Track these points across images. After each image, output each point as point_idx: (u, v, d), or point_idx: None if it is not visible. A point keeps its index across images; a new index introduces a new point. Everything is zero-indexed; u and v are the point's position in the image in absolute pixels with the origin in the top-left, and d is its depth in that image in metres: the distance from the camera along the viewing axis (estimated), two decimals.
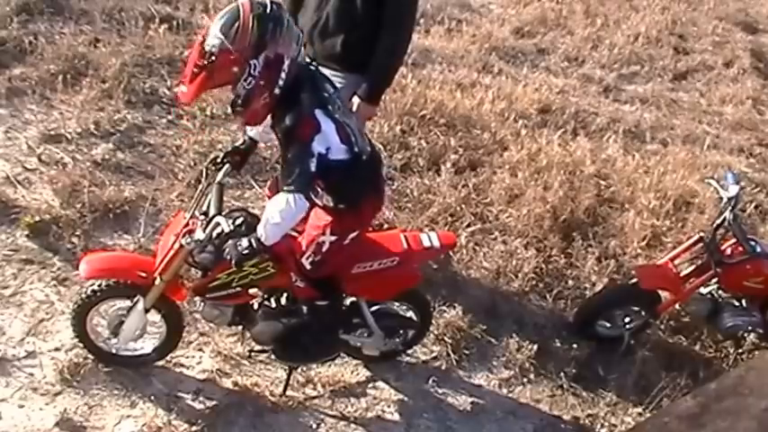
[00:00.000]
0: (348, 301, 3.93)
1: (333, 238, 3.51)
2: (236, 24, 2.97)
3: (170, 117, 5.62)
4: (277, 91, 3.10)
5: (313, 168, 3.12)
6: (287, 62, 3.08)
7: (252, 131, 3.65)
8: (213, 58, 2.98)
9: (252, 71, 3.02)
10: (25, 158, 4.99)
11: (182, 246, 3.39)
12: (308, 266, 3.57)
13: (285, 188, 3.14)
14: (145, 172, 5.12)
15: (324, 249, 3.53)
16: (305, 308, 3.72)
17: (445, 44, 7.49)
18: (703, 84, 8.14)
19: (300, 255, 3.57)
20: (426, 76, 6.67)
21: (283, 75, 3.08)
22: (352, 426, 4.05)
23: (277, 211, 3.16)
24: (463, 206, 5.34)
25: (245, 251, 3.21)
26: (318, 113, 3.13)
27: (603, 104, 7.27)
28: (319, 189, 3.38)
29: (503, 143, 6.09)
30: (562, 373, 4.52)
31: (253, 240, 3.22)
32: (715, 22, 9.58)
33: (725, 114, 7.58)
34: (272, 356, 3.98)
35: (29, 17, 6.08)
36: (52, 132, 5.19)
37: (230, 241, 3.22)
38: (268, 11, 3.02)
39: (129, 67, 5.81)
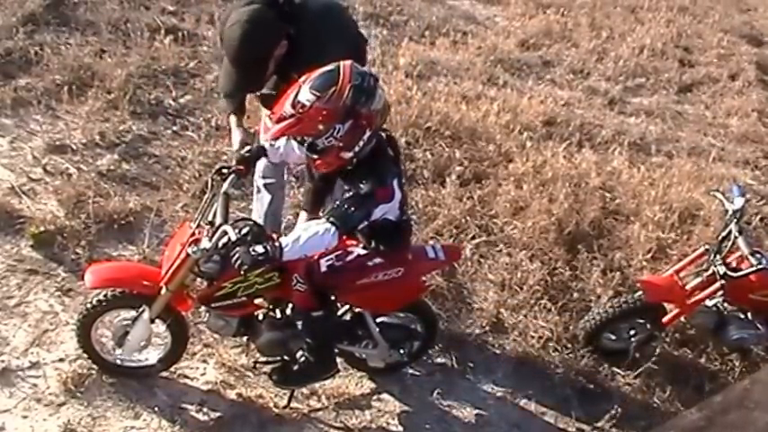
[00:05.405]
0: (352, 313, 3.93)
1: (362, 252, 3.64)
2: (333, 89, 3.11)
3: (175, 128, 5.64)
4: (351, 155, 3.26)
5: (360, 225, 3.36)
6: (368, 133, 3.24)
7: (265, 142, 3.68)
8: (302, 110, 3.12)
9: (335, 133, 3.18)
10: (30, 169, 5.00)
11: (188, 255, 3.38)
12: (324, 268, 3.60)
13: (330, 218, 3.23)
14: (150, 183, 5.13)
15: (348, 258, 3.63)
16: (300, 322, 3.70)
17: (450, 56, 7.51)
18: (709, 96, 8.13)
19: (321, 255, 3.58)
20: (431, 88, 6.68)
21: (361, 143, 3.25)
22: None
23: (310, 234, 3.23)
24: (468, 218, 5.33)
25: (261, 257, 3.17)
26: (395, 184, 3.36)
27: (609, 117, 7.26)
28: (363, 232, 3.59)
29: (508, 155, 6.09)
30: (567, 386, 4.51)
31: (269, 248, 3.19)
32: (720, 34, 9.58)
33: (730, 127, 7.57)
34: (272, 383, 3.95)
35: (35, 28, 6.12)
36: (57, 143, 5.21)
37: (241, 247, 3.19)
38: (365, 84, 3.17)
39: (134, 78, 5.85)
